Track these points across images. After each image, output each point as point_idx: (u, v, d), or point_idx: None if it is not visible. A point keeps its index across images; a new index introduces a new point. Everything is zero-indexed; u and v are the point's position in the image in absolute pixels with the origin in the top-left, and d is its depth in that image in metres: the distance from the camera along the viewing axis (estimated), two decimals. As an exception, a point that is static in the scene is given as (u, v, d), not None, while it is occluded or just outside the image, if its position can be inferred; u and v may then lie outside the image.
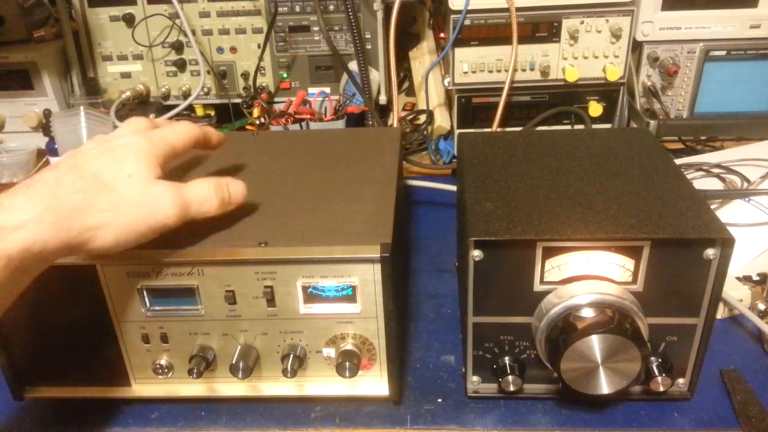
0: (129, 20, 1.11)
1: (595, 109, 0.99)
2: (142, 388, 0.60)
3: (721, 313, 0.68)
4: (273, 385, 0.59)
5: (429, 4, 1.21)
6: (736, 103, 1.01)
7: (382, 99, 1.13)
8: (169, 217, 0.50)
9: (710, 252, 0.50)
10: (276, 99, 1.15)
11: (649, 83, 1.01)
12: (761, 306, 0.65)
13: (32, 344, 0.58)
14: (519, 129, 1.01)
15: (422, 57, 1.20)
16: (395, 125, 1.03)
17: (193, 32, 1.10)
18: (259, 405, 0.60)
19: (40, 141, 1.08)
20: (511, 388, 0.56)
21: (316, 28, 1.09)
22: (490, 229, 0.52)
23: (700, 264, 0.51)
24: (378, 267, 0.52)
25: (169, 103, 1.15)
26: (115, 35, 1.13)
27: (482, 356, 0.57)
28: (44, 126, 1.08)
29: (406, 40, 1.23)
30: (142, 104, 1.13)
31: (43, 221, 0.44)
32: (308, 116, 1.03)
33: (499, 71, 0.96)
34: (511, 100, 0.98)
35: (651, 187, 0.57)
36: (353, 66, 1.06)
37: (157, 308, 0.56)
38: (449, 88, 1.00)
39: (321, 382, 0.59)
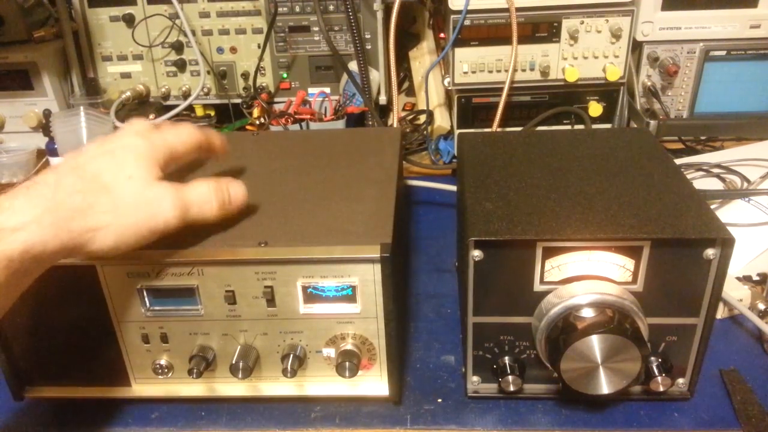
0: (129, 20, 1.11)
1: (595, 109, 0.99)
2: (142, 388, 0.60)
3: (721, 313, 0.68)
4: (273, 385, 0.59)
5: (429, 4, 1.21)
6: (736, 103, 1.01)
7: (382, 99, 1.13)
8: (169, 219, 0.50)
9: (710, 252, 0.50)
10: (276, 99, 1.15)
11: (649, 83, 1.01)
12: (761, 306, 0.65)
13: (32, 344, 0.58)
14: (519, 129, 1.01)
15: (422, 57, 1.20)
16: (395, 125, 1.03)
17: (193, 32, 1.10)
18: (259, 405, 0.60)
19: (40, 141, 1.08)
20: (511, 388, 0.56)
21: (316, 28, 1.09)
22: (490, 229, 0.52)
23: (700, 264, 0.51)
24: (378, 267, 0.52)
25: (169, 103, 1.15)
26: (115, 35, 1.13)
27: (482, 356, 0.57)
28: (44, 126, 1.07)
29: (406, 40, 1.23)
30: (142, 104, 1.13)
31: (42, 222, 0.44)
32: (308, 116, 1.03)
33: (499, 71, 0.96)
34: (511, 100, 0.98)
35: (651, 187, 0.57)
36: (353, 66, 1.06)
37: (157, 308, 0.56)
38: (449, 88, 1.00)
39: (321, 382, 0.59)
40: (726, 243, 0.50)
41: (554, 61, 0.96)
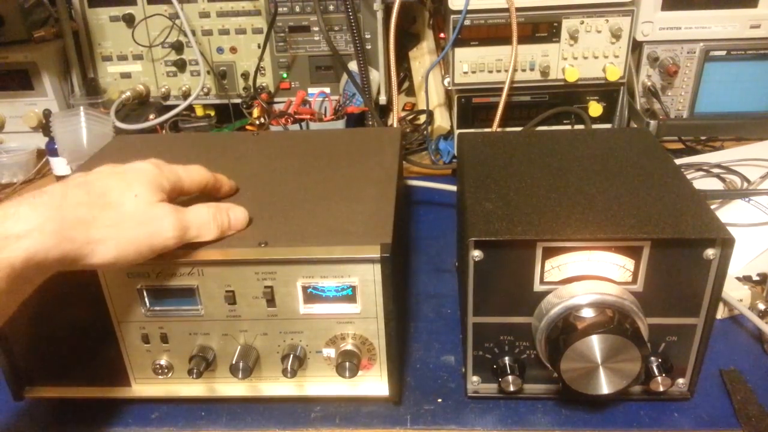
0: (129, 20, 1.11)
1: (595, 109, 0.99)
2: (142, 388, 0.60)
3: (721, 313, 0.68)
4: (273, 385, 0.59)
5: (429, 4, 1.21)
6: (736, 103, 1.01)
7: (382, 99, 1.13)
8: (168, 238, 0.51)
9: (710, 252, 0.50)
10: (276, 99, 1.15)
11: (649, 83, 1.01)
12: (761, 306, 0.65)
13: (32, 344, 0.58)
14: (519, 129, 1.01)
15: (422, 57, 1.20)
16: (395, 125, 1.03)
17: (193, 32, 1.10)
18: (259, 405, 0.60)
19: (40, 141, 1.08)
20: (511, 388, 0.56)
21: (316, 28, 1.09)
22: (490, 229, 0.52)
23: (700, 264, 0.51)
24: (378, 267, 0.52)
25: (169, 103, 1.15)
26: (115, 35, 1.13)
27: (482, 356, 0.57)
28: (44, 126, 1.08)
29: (406, 40, 1.23)
30: (142, 104, 1.13)
31: (45, 230, 0.44)
32: (308, 116, 1.03)
33: (499, 71, 0.96)
34: (511, 100, 0.98)
35: (651, 187, 0.57)
36: (353, 66, 1.06)
37: (157, 308, 0.56)
38: (449, 88, 1.00)
39: (321, 382, 0.59)
40: (726, 243, 0.50)
41: (554, 61, 0.96)
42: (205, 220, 0.53)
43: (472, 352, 0.57)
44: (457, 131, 1.03)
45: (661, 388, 0.54)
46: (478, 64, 0.96)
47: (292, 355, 0.56)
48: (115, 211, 0.48)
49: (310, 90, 1.13)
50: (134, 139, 0.87)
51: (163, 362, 0.58)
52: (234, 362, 0.56)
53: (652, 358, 0.55)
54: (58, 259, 0.45)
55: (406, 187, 0.94)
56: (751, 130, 0.99)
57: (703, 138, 1.06)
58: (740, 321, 0.68)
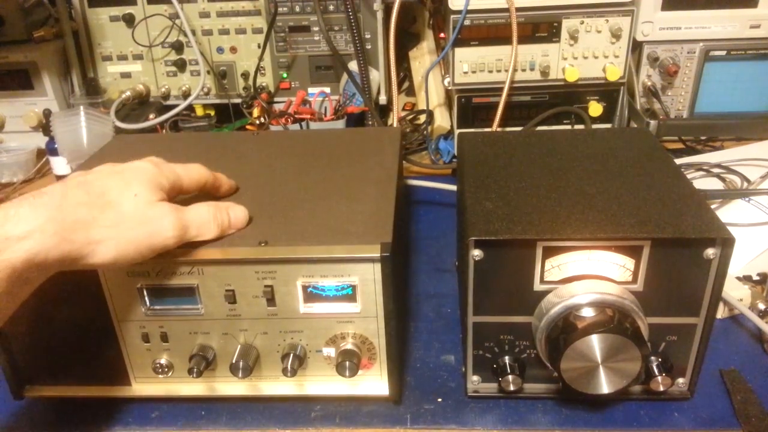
0: (129, 20, 1.11)
1: (595, 109, 0.99)
2: (142, 387, 0.60)
3: (721, 313, 0.68)
4: (273, 385, 0.59)
5: (429, 4, 1.21)
6: (736, 103, 1.01)
7: (382, 99, 1.13)
8: (168, 238, 0.51)
9: (710, 252, 0.50)
10: (276, 99, 1.15)
11: (649, 83, 1.01)
12: (761, 306, 0.65)
13: (32, 344, 0.58)
14: (519, 129, 1.01)
15: (422, 57, 1.20)
16: (395, 125, 1.03)
17: (193, 32, 1.10)
18: (259, 404, 0.60)
19: (40, 141, 1.08)
20: (511, 388, 0.56)
21: (316, 28, 1.09)
22: (490, 228, 0.52)
23: (700, 264, 0.51)
24: (378, 267, 0.52)
25: (169, 103, 1.15)
26: (115, 35, 1.13)
27: (482, 356, 0.57)
28: (44, 126, 1.08)
29: (406, 40, 1.23)
30: (142, 104, 1.13)
31: (46, 231, 0.44)
32: (308, 116, 1.03)
33: (499, 71, 0.97)
34: (511, 100, 0.99)
35: (651, 187, 0.57)
36: (353, 66, 1.06)
37: (157, 307, 0.56)
38: (449, 88, 1.00)
39: (321, 382, 0.59)
40: (726, 243, 0.50)
41: (554, 61, 0.96)
42: (205, 220, 0.53)
43: (472, 351, 0.57)
44: (457, 131, 1.03)
45: (661, 388, 0.54)
46: (478, 64, 0.96)
47: (292, 355, 0.56)
48: (115, 211, 0.48)
49: (310, 90, 1.13)
50: (134, 139, 0.87)
51: (163, 361, 0.58)
52: (234, 361, 0.56)
53: (652, 358, 0.55)
54: (59, 260, 0.45)
55: (406, 187, 0.94)
56: (751, 130, 0.99)
57: (703, 138, 1.06)
58: (740, 321, 0.68)
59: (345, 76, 1.07)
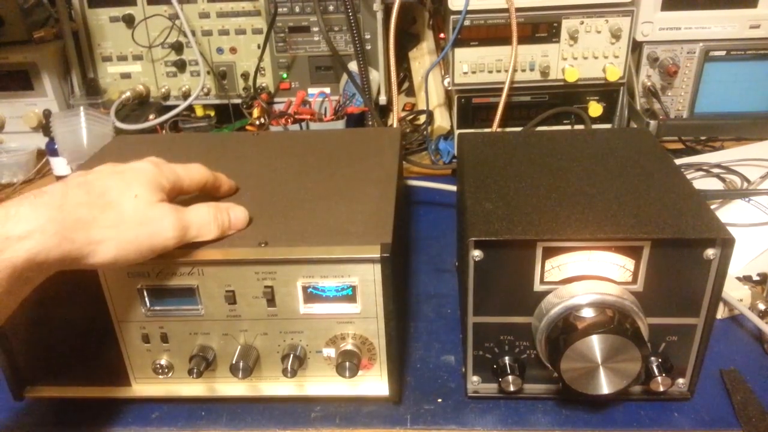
0: (129, 21, 1.11)
1: (595, 109, 0.99)
2: (142, 388, 0.60)
3: (721, 313, 0.68)
4: (273, 385, 0.59)
5: (429, 4, 1.21)
6: (736, 103, 1.01)
7: (382, 99, 1.13)
8: (168, 238, 0.51)
9: (710, 252, 0.50)
10: (276, 99, 1.15)
11: (649, 83, 1.01)
12: (761, 306, 0.65)
13: (32, 344, 0.58)
14: (519, 129, 1.01)
15: (422, 57, 1.20)
16: (395, 125, 1.03)
17: (193, 33, 1.10)
18: (259, 405, 0.60)
19: (40, 141, 1.08)
20: (511, 388, 0.56)
21: (316, 29, 1.09)
22: (490, 229, 0.52)
23: (700, 264, 0.51)
24: (378, 267, 0.52)
25: (169, 103, 1.15)
26: (115, 36, 1.13)
27: (482, 356, 0.57)
28: (44, 126, 1.08)
29: (406, 40, 1.23)
30: (142, 104, 1.13)
31: (47, 231, 0.44)
32: (308, 116, 1.03)
33: (499, 71, 0.97)
34: (511, 101, 0.98)
35: (651, 187, 0.57)
36: (353, 66, 1.06)
37: (157, 308, 0.56)
38: (449, 88, 1.00)
39: (321, 382, 0.59)
40: (726, 243, 0.50)
41: (554, 61, 0.96)
42: (205, 220, 0.53)
43: (472, 351, 0.57)
44: (457, 131, 1.03)
45: (661, 388, 0.54)
46: (478, 65, 0.96)
47: (292, 355, 0.56)
48: (115, 211, 0.48)
49: (310, 90, 1.13)
50: (134, 140, 0.87)
51: (163, 362, 0.58)
52: (234, 362, 0.56)
53: (652, 358, 0.55)
54: (59, 260, 0.45)
55: (406, 187, 0.94)
56: (751, 130, 0.99)
57: (703, 138, 1.06)
58: (740, 321, 0.68)
59: (345, 77, 1.07)
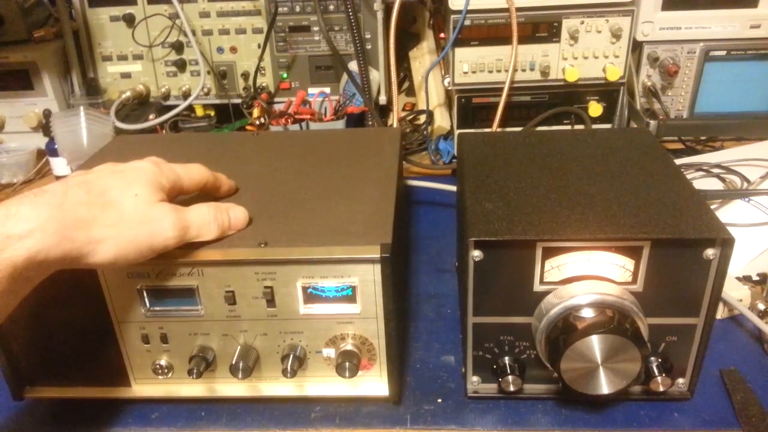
0: (129, 20, 1.11)
1: (595, 109, 0.99)
2: (142, 388, 0.60)
3: (721, 313, 0.68)
4: (273, 385, 0.59)
5: (429, 4, 1.21)
6: (736, 103, 1.01)
7: (382, 99, 1.13)
8: (168, 238, 0.51)
9: (710, 252, 0.50)
10: (276, 99, 1.15)
11: (649, 83, 1.01)
12: (761, 306, 0.65)
13: (32, 344, 0.58)
14: (519, 129, 1.01)
15: (422, 57, 1.20)
16: (395, 125, 1.03)
17: (193, 32, 1.10)
18: (259, 405, 0.60)
19: (40, 141, 1.08)
20: (511, 388, 0.56)
21: (316, 28, 1.09)
22: (490, 229, 0.52)
23: (700, 264, 0.51)
24: (378, 267, 0.52)
25: (169, 103, 1.15)
26: (115, 35, 1.13)
27: (482, 356, 0.57)
28: (44, 126, 1.08)
29: (406, 40, 1.23)
30: (142, 104, 1.13)
31: (47, 230, 0.44)
32: (308, 116, 1.03)
33: (499, 71, 0.96)
34: (511, 100, 0.98)
35: (651, 187, 0.57)
36: (353, 66, 1.06)
37: (156, 308, 0.56)
38: (449, 88, 1.00)
39: (321, 382, 0.59)
40: (726, 243, 0.50)
41: (554, 61, 0.96)
42: (205, 220, 0.53)
43: (472, 352, 0.57)
44: (457, 131, 1.03)
45: (661, 388, 0.54)
46: (478, 64, 0.96)
47: (292, 355, 0.56)
48: (116, 210, 0.48)
49: (310, 90, 1.13)
50: (134, 139, 0.87)
51: (163, 362, 0.58)
52: (234, 362, 0.56)
53: (652, 358, 0.55)
54: (59, 259, 0.45)
55: (406, 187, 0.94)
56: (751, 130, 0.99)
57: (703, 138, 1.06)
58: (740, 321, 0.68)
59: (345, 76, 1.07)
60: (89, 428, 0.58)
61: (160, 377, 0.59)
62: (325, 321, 0.55)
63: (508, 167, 0.64)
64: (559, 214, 0.54)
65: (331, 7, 1.07)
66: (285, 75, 1.14)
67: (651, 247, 0.51)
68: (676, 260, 0.51)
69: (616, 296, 0.51)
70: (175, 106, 1.07)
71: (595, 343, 0.50)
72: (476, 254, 0.52)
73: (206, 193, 0.59)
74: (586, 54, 0.95)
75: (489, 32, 0.94)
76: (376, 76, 1.11)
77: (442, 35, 1.07)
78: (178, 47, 1.12)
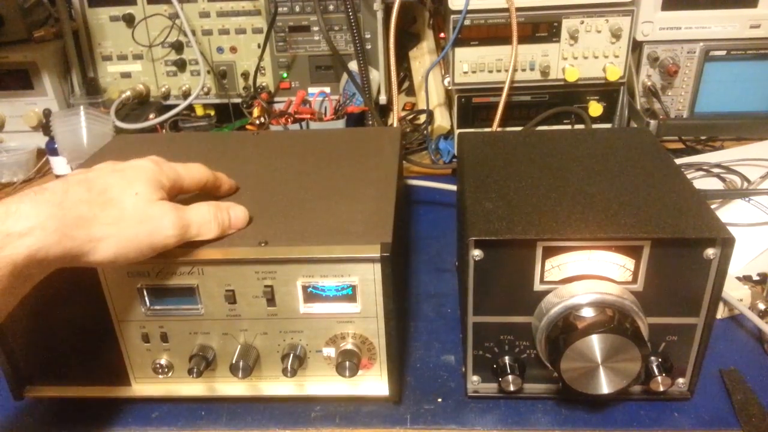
0: (129, 20, 1.11)
1: (595, 109, 0.99)
2: (142, 387, 0.60)
3: (721, 313, 0.68)
4: (273, 385, 0.59)
5: (429, 4, 1.21)
6: (736, 103, 1.01)
7: (382, 99, 1.13)
8: (169, 236, 0.51)
9: (710, 252, 0.50)
10: (276, 99, 1.15)
11: (649, 83, 1.01)
12: (761, 306, 0.65)
13: (32, 344, 0.58)
14: (519, 129, 1.01)
15: (422, 57, 1.20)
16: (395, 125, 1.03)
17: (193, 32, 1.10)
18: (259, 405, 0.60)
19: (40, 141, 1.08)
20: (511, 388, 0.56)
21: (316, 28, 1.09)
22: (490, 228, 0.52)
23: (700, 264, 0.51)
24: (378, 267, 0.52)
25: (169, 102, 1.15)
26: (115, 35, 1.13)
27: (482, 356, 0.57)
28: (44, 126, 1.08)
29: (406, 40, 1.23)
30: (142, 104, 1.13)
31: (47, 228, 0.44)
32: (308, 116, 1.03)
33: (499, 71, 0.97)
34: (511, 100, 0.98)
35: (651, 187, 0.57)
36: (353, 66, 1.06)
37: (157, 308, 0.56)
38: (449, 88, 1.00)
39: (321, 382, 0.59)
40: (726, 243, 0.50)
41: (554, 61, 0.96)
42: (205, 219, 0.53)
43: (472, 351, 0.57)
44: (457, 131, 1.03)
45: (661, 388, 0.54)
46: (478, 64, 0.96)
47: (292, 355, 0.56)
48: (116, 208, 0.48)
49: (310, 90, 1.13)
50: (134, 139, 0.87)
51: (163, 362, 0.58)
52: (234, 362, 0.56)
53: (652, 358, 0.55)
54: (59, 257, 0.45)
55: (406, 187, 0.94)
56: (751, 130, 0.99)
57: (703, 138, 1.06)
58: (740, 321, 0.68)
59: (345, 76, 1.07)
60: (89, 428, 0.58)
61: (160, 376, 0.59)
62: (326, 320, 0.55)
63: (508, 167, 0.64)
64: (560, 213, 0.54)
65: (331, 7, 1.07)
66: (285, 75, 1.14)
67: (651, 247, 0.51)
68: (677, 260, 0.51)
69: (617, 296, 0.51)
70: (175, 106, 1.07)
71: (595, 343, 0.50)
72: (476, 254, 0.52)
73: (206, 193, 0.59)
74: (586, 54, 0.95)
75: (489, 32, 0.94)
76: (376, 75, 1.11)
77: (442, 35, 1.07)
78: (178, 47, 1.12)
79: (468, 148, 0.70)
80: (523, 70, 0.97)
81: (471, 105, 1.00)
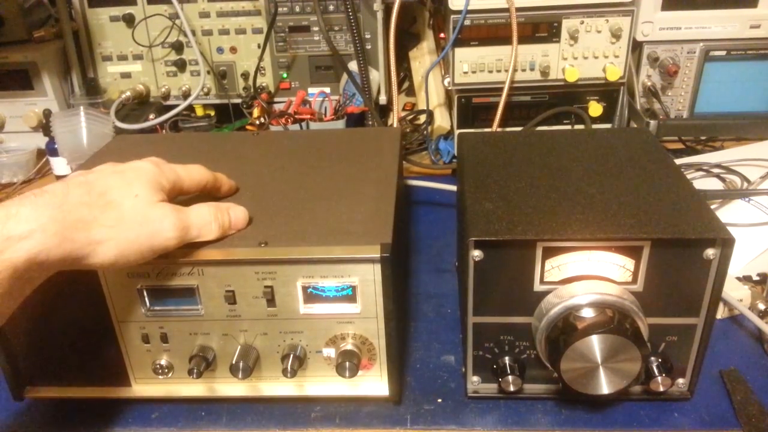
0: (129, 20, 1.11)
1: (595, 109, 0.99)
2: (142, 388, 0.60)
3: (721, 313, 0.68)
4: (273, 385, 0.59)
5: (429, 4, 1.21)
6: (736, 103, 1.01)
7: (382, 99, 1.13)
8: (169, 238, 0.51)
9: (710, 252, 0.50)
10: (276, 99, 1.15)
11: (649, 83, 1.01)
12: (761, 306, 0.65)
13: (32, 344, 0.58)
14: (519, 129, 1.01)
15: (422, 57, 1.20)
16: (395, 125, 1.03)
17: (193, 32, 1.10)
18: (259, 405, 0.60)
19: (40, 141, 1.08)
20: (511, 388, 0.56)
21: (316, 28, 1.09)
22: (490, 229, 0.52)
23: (700, 264, 0.51)
24: (378, 267, 0.52)
25: (169, 103, 1.15)
26: (115, 35, 1.13)
27: (482, 356, 0.57)
28: (44, 126, 1.08)
29: (406, 40, 1.23)
30: (142, 104, 1.13)
31: (48, 230, 0.44)
32: (308, 116, 1.03)
33: (499, 71, 0.97)
34: (511, 100, 0.99)
35: (651, 187, 0.57)
36: (353, 66, 1.06)
37: (157, 308, 0.56)
38: (449, 88, 1.00)
39: (321, 382, 0.59)
40: (726, 243, 0.50)
41: (554, 61, 0.96)
42: (206, 220, 0.53)
43: (472, 352, 0.57)
44: (457, 131, 1.03)
45: (661, 388, 0.54)
46: (478, 64, 0.96)
47: (292, 355, 0.56)
48: (116, 211, 0.48)
49: (310, 90, 1.13)
50: (134, 139, 0.87)
51: (163, 362, 0.58)
52: (234, 362, 0.56)
53: (652, 358, 0.55)
54: (60, 260, 0.45)
55: (406, 187, 0.94)
56: (751, 130, 0.99)
57: (703, 138, 1.06)
58: (740, 321, 0.68)
59: (345, 76, 1.07)
60: (89, 428, 0.58)
61: (160, 377, 0.59)
62: (325, 321, 0.56)
63: (508, 167, 0.64)
64: (559, 214, 0.54)
65: (331, 7, 1.07)
66: (285, 75, 1.14)
67: (651, 247, 0.51)
68: (677, 260, 0.51)
69: (616, 296, 0.51)
70: (175, 106, 1.07)
71: (595, 343, 0.50)
72: (476, 254, 0.52)
73: (206, 194, 0.59)
74: (586, 54, 0.95)
75: (489, 32, 0.94)
76: (376, 76, 1.11)
77: (442, 35, 1.07)
78: (178, 47, 1.12)
79: (468, 148, 0.70)
80: (523, 70, 0.97)
81: (471, 105, 1.00)
